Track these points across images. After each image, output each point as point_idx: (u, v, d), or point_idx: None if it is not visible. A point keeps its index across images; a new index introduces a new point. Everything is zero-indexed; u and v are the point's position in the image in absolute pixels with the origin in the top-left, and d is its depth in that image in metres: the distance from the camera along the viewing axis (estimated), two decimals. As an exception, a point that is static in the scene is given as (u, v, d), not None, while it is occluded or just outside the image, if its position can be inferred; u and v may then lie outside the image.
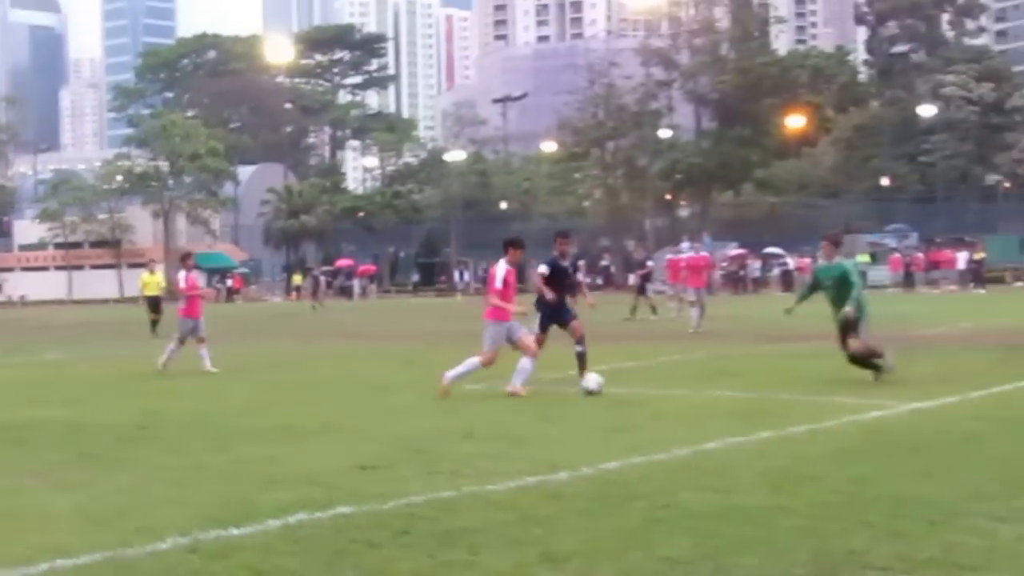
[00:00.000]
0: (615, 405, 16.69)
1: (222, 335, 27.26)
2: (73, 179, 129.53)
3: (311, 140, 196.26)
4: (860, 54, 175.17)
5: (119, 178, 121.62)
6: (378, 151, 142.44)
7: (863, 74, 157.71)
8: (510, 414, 16.06)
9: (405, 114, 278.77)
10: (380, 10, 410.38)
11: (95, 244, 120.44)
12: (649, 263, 48.99)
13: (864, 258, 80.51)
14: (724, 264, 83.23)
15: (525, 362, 18.61)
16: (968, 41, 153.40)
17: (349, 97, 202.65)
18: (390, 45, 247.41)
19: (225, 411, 17.63)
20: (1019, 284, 76.72)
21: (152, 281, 44.63)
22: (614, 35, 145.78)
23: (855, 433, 13.59)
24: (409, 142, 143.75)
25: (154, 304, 43.11)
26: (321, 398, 19.07)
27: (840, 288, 18.42)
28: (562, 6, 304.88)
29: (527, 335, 18.90)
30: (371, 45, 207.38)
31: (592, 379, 18.06)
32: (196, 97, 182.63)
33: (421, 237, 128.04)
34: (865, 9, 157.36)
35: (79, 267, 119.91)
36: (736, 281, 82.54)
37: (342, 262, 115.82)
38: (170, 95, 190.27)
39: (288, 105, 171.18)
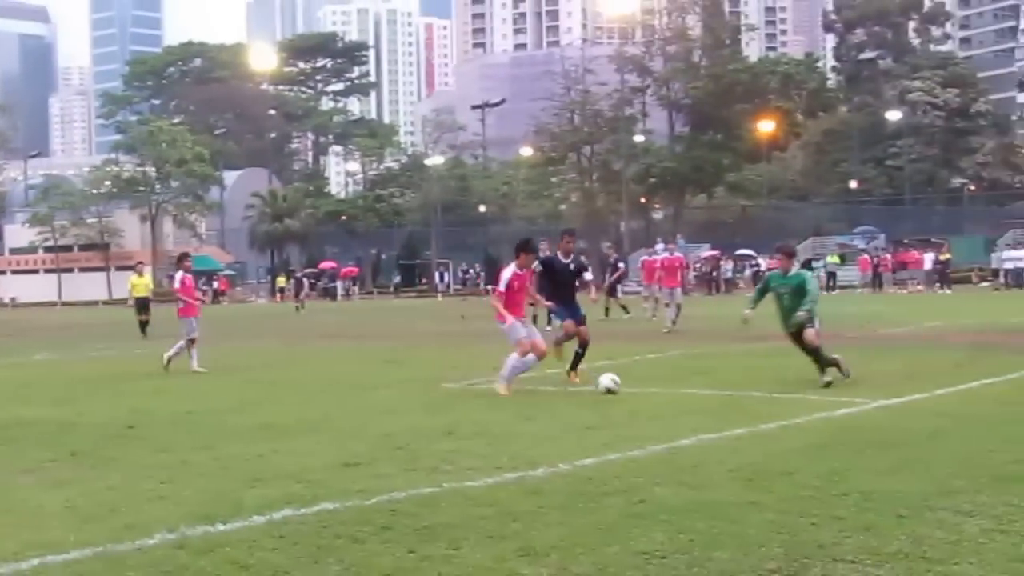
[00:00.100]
0: (591, 403, 16.70)
1: (208, 336, 27.21)
2: (62, 184, 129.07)
3: (295, 146, 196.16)
4: (829, 61, 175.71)
5: (107, 183, 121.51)
6: (360, 156, 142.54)
7: (832, 80, 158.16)
8: (489, 412, 16.04)
9: (386, 120, 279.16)
10: (361, 19, 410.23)
11: (84, 247, 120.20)
12: (621, 265, 49.06)
13: (834, 259, 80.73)
14: (698, 265, 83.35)
15: (530, 359, 18.63)
16: (934, 48, 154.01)
17: (331, 104, 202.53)
18: (371, 53, 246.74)
19: (211, 410, 17.59)
20: (984, 284, 76.81)
21: (140, 283, 44.48)
22: (589, 43, 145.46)
23: (825, 429, 13.60)
24: (390, 147, 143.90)
25: (143, 305, 43.02)
26: (305, 397, 19.04)
27: (795, 296, 18.34)
28: (539, 15, 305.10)
29: (538, 339, 18.93)
30: (353, 53, 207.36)
31: (607, 379, 17.95)
32: (182, 104, 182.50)
33: (402, 240, 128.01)
34: (833, 17, 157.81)
35: (68, 270, 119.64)
36: (709, 282, 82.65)
37: (325, 264, 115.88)
38: (157, 102, 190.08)
39: (272, 111, 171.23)
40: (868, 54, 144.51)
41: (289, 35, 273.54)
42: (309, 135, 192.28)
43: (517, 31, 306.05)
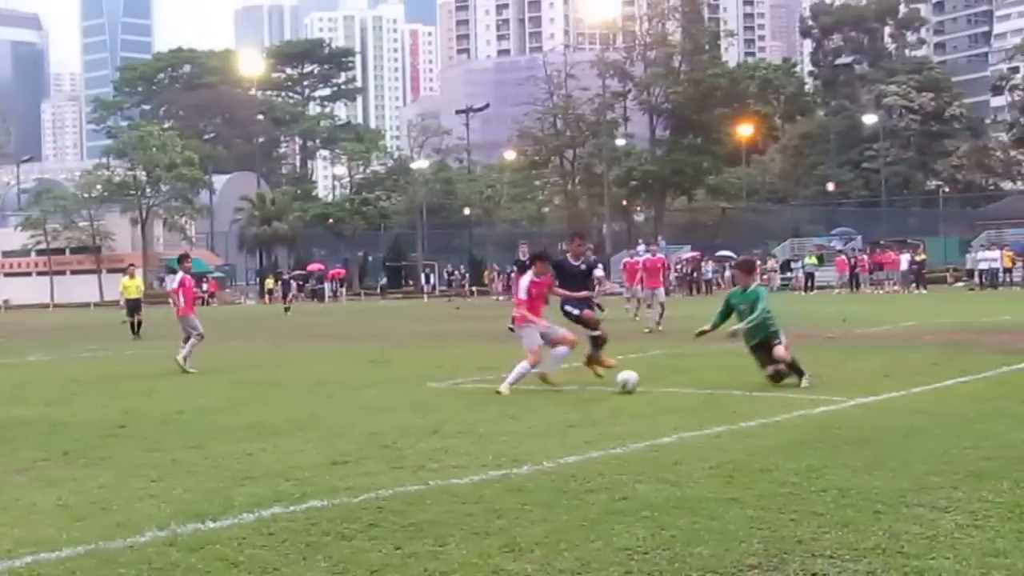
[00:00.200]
0: (574, 402, 16.70)
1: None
2: (54, 188, 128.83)
3: (282, 150, 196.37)
4: (806, 66, 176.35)
5: (99, 187, 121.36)
6: (347, 160, 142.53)
7: (809, 85, 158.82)
8: (474, 411, 16.04)
9: (372, 125, 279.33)
10: (348, 25, 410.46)
11: (76, 250, 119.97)
12: (600, 266, 49.16)
13: (812, 260, 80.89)
14: (679, 266, 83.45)
15: (563, 351, 18.76)
16: (909, 53, 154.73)
17: (319, 109, 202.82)
18: (357, 59, 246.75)
19: (201, 410, 17.56)
20: (959, 285, 77.03)
21: (132, 285, 44.42)
22: (572, 49, 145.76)
23: (804, 427, 13.61)
24: (376, 151, 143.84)
25: (134, 307, 42.97)
26: (293, 397, 19.02)
27: (753, 311, 18.29)
28: (522, 21, 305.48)
29: (560, 329, 18.93)
30: (339, 59, 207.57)
31: (627, 376, 17.92)
32: (172, 109, 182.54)
33: (389, 242, 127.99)
34: (810, 23, 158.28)
35: (60, 272, 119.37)
36: (690, 283, 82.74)
37: (313, 266, 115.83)
38: (147, 107, 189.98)
39: (260, 116, 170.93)
40: (844, 59, 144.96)
41: (277, 42, 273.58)
42: (297, 139, 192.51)
43: (500, 37, 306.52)
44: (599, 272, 20.86)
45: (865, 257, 78.21)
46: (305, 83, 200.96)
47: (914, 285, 70.52)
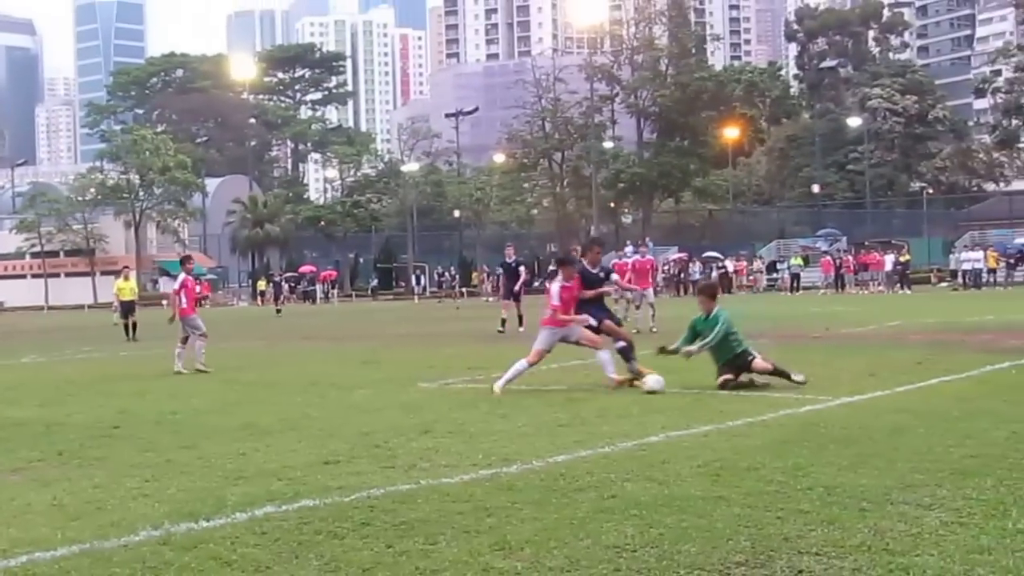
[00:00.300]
0: (563, 402, 16.68)
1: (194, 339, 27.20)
2: (49, 192, 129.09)
3: (274, 153, 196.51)
4: (791, 69, 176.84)
5: (92, 190, 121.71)
6: (338, 163, 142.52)
7: (794, 88, 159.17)
8: (465, 411, 16.03)
9: (363, 128, 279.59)
10: (339, 30, 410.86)
11: (70, 253, 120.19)
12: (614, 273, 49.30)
13: (797, 261, 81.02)
14: (666, 268, 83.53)
15: (604, 355, 18.67)
16: (892, 56, 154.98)
17: (310, 112, 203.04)
18: (348, 63, 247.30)
19: (194, 410, 17.54)
20: (943, 285, 77.19)
21: (127, 287, 44.34)
22: (560, 53, 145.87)
23: (790, 426, 13.61)
24: (367, 155, 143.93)
25: (128, 309, 42.90)
26: (285, 397, 18.99)
27: (721, 338, 18.14)
28: (510, 25, 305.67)
29: (586, 332, 18.88)
30: (330, 63, 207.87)
31: (652, 380, 17.90)
32: (165, 113, 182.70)
33: (380, 244, 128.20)
34: (795, 27, 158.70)
35: (55, 275, 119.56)
36: (678, 283, 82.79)
37: (305, 268, 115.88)
38: (140, 111, 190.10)
39: (252, 120, 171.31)
40: (829, 62, 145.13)
41: (268, 46, 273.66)
42: (288, 143, 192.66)
43: (489, 41, 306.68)
44: (615, 276, 21.06)
45: (850, 258, 78.27)
46: (296, 87, 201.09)
47: (898, 285, 70.62)
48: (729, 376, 17.57)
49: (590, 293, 19.53)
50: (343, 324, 51.55)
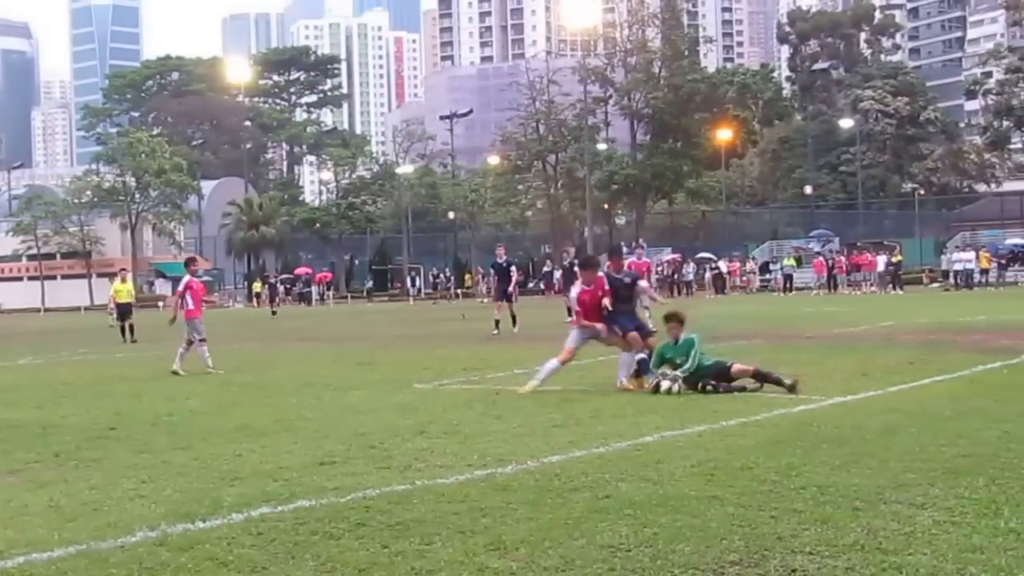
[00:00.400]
0: (558, 402, 16.68)
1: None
2: (45, 194, 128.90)
3: (269, 156, 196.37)
4: (783, 71, 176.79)
5: (88, 193, 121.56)
6: (333, 165, 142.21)
7: (786, 90, 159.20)
8: (460, 412, 16.03)
9: (358, 130, 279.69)
10: (333, 33, 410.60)
11: (66, 255, 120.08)
12: (575, 268, 49.33)
13: (790, 262, 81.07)
14: (660, 268, 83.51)
15: (625, 356, 18.63)
16: (884, 58, 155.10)
17: (305, 115, 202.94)
18: (343, 66, 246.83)
19: (190, 412, 17.53)
20: (934, 285, 77.26)
21: (124, 289, 44.27)
22: (553, 55, 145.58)
23: (783, 426, 13.62)
24: (362, 157, 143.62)
25: (125, 311, 42.84)
26: (281, 398, 18.98)
27: (689, 361, 17.90)
28: (504, 28, 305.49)
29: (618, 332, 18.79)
30: (325, 66, 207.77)
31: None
32: (160, 116, 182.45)
33: (375, 246, 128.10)
34: (787, 29, 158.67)
35: (51, 277, 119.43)
36: (672, 284, 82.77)
37: (300, 270, 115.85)
38: (136, 114, 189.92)
39: (247, 123, 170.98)
40: (821, 64, 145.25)
41: (263, 49, 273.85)
42: (283, 145, 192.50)
43: (483, 44, 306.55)
44: (643, 283, 20.54)
45: (843, 259, 78.34)
46: (291, 90, 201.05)
47: (891, 286, 70.65)
48: (707, 381, 17.45)
49: (608, 301, 19.14)
50: (338, 326, 51.53)
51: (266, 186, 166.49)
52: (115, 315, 44.67)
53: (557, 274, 50.95)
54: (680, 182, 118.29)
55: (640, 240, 74.08)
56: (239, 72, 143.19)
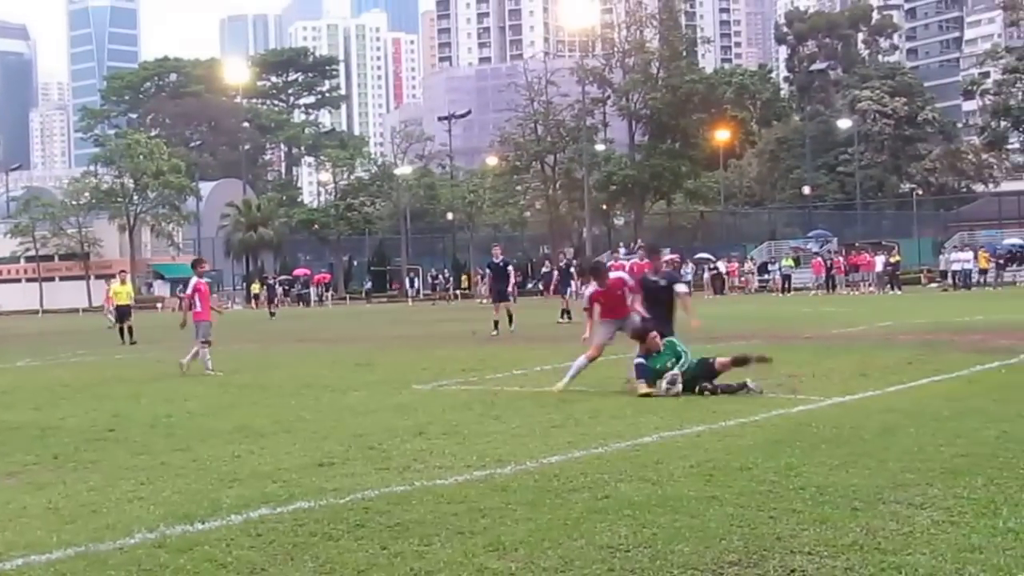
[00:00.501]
0: (556, 403, 16.69)
1: (187, 342, 27.06)
2: (43, 196, 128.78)
3: (268, 157, 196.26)
4: (781, 72, 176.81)
5: (86, 195, 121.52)
6: (331, 167, 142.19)
7: (784, 90, 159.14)
8: (458, 413, 16.03)
9: (356, 132, 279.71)
10: (331, 34, 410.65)
11: (64, 257, 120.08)
12: (572, 269, 49.50)
13: (788, 262, 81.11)
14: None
15: (581, 359, 18.71)
16: (882, 59, 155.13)
17: (303, 116, 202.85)
18: (341, 67, 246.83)
19: (189, 413, 17.53)
20: (932, 285, 77.23)
21: (123, 291, 44.20)
22: (551, 56, 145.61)
23: (782, 426, 13.62)
24: (360, 158, 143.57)
25: (124, 313, 42.78)
26: (279, 399, 18.98)
27: (680, 361, 17.85)
28: (502, 29, 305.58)
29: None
30: (323, 67, 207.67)
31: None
32: (158, 117, 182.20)
33: (373, 247, 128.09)
34: (785, 29, 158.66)
35: (49, 279, 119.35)
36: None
37: (299, 271, 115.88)
38: (134, 116, 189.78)
39: (245, 124, 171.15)
40: (819, 65, 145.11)
41: (261, 50, 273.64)
42: (282, 147, 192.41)
43: (481, 45, 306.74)
44: (681, 287, 19.63)
45: (841, 259, 78.32)
46: (290, 91, 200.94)
47: (889, 286, 70.62)
48: (704, 384, 17.40)
49: (639, 303, 18.94)
50: (337, 327, 51.51)
51: (264, 187, 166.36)
52: (113, 316, 44.62)
53: (556, 275, 50.86)
54: (678, 182, 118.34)
55: (638, 240, 74.13)
56: (237, 73, 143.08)
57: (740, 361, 17.67)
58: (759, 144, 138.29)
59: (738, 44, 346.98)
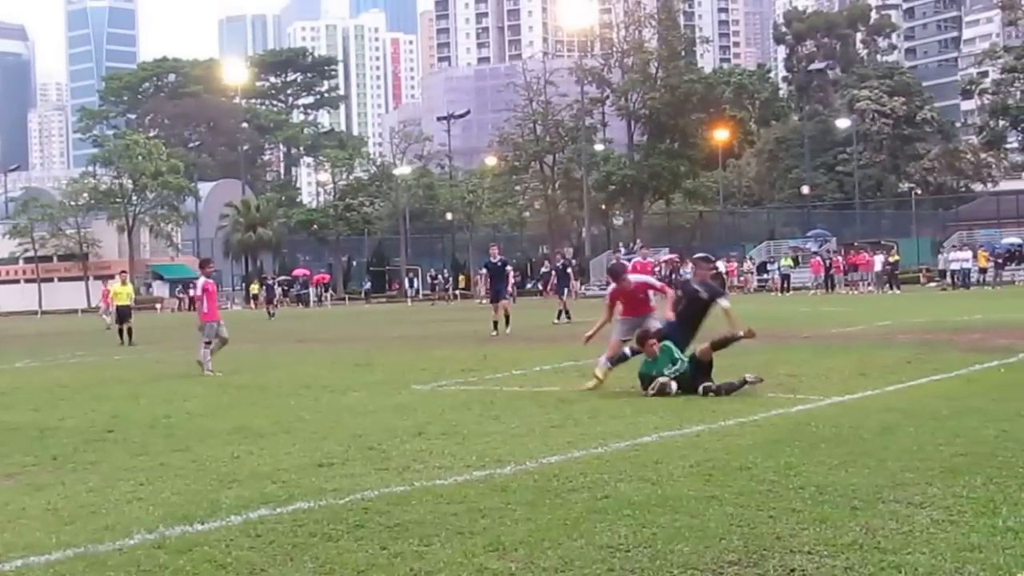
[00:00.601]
0: (555, 403, 16.68)
1: (185, 342, 27.07)
2: (41, 197, 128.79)
3: (267, 157, 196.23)
4: (780, 71, 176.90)
5: (85, 195, 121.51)
6: (330, 167, 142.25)
7: (783, 90, 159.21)
8: (458, 413, 16.02)
9: (355, 132, 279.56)
10: (330, 35, 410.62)
11: (63, 258, 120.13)
12: (569, 269, 49.52)
13: (787, 262, 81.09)
14: (657, 268, 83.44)
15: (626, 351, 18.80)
16: (880, 58, 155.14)
17: (302, 116, 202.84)
18: (340, 67, 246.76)
19: (188, 414, 17.51)
20: (931, 285, 77.23)
21: (124, 291, 44.10)
22: (550, 56, 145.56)
23: (781, 426, 13.62)
24: (359, 158, 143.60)
25: (124, 314, 42.72)
26: (278, 400, 18.96)
27: (675, 364, 17.76)
28: (501, 29, 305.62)
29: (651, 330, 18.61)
30: (322, 67, 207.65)
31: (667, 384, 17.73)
32: (157, 118, 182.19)
33: (372, 247, 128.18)
34: (784, 29, 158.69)
35: (48, 280, 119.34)
36: (669, 284, 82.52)
37: (298, 272, 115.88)
38: (132, 116, 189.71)
39: (244, 125, 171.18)
40: (817, 65, 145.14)
41: (260, 51, 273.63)
42: (281, 147, 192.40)
43: (480, 45, 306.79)
44: (724, 302, 18.39)
45: (840, 258, 78.31)
46: (288, 91, 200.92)
47: (888, 286, 70.63)
48: (707, 384, 17.33)
49: (670, 306, 18.88)
50: (336, 327, 51.49)
51: (263, 188, 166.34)
52: (110, 316, 44.54)
53: (553, 275, 50.85)
54: (677, 182, 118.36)
55: (637, 239, 74.19)
56: (236, 74, 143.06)
57: (719, 344, 17.62)
58: (758, 144, 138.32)
59: (736, 44, 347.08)
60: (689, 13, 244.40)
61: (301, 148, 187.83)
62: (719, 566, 7.58)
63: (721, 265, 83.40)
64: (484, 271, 43.18)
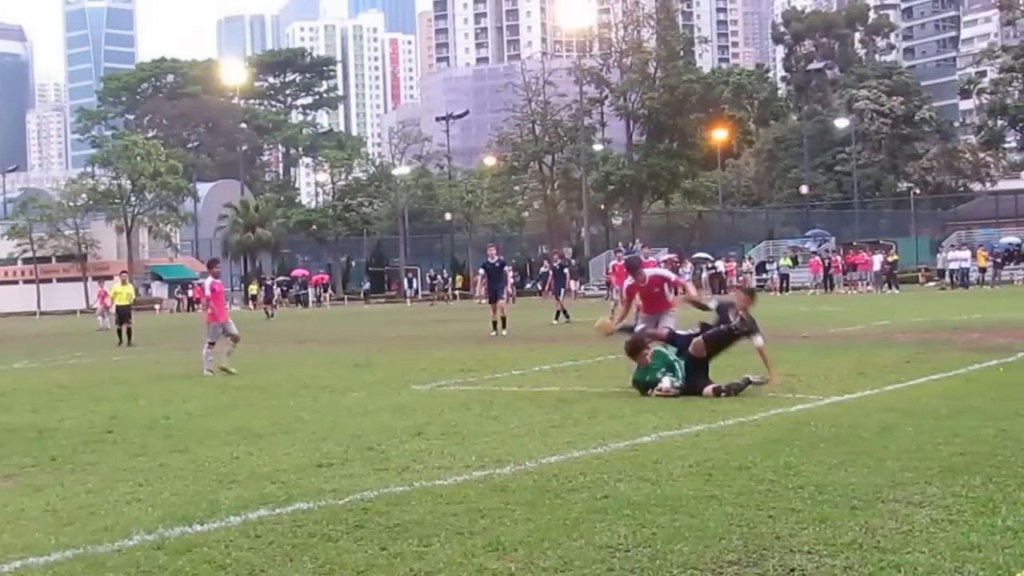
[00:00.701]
0: (555, 403, 16.67)
1: (185, 342, 27.05)
2: (40, 197, 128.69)
3: (265, 158, 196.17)
4: (778, 71, 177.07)
5: (84, 196, 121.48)
6: (329, 167, 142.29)
7: (782, 90, 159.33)
8: (457, 413, 16.02)
9: (354, 132, 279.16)
10: (329, 35, 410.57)
11: (62, 258, 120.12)
12: (566, 270, 49.48)
13: (786, 262, 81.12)
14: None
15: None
16: (879, 58, 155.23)
17: (301, 117, 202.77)
18: (339, 68, 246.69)
19: (186, 414, 17.50)
20: (930, 284, 77.23)
21: (124, 292, 44.10)
22: (549, 56, 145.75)
23: (781, 425, 13.61)
24: (358, 158, 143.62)
25: (124, 314, 42.69)
26: (278, 400, 18.96)
27: (673, 370, 17.70)
28: (499, 29, 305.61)
29: (662, 329, 18.51)
30: (321, 68, 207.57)
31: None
32: (156, 118, 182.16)
33: (371, 247, 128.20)
34: (782, 29, 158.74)
35: (47, 280, 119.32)
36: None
37: (297, 272, 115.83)
38: (131, 117, 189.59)
39: (243, 125, 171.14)
40: (816, 64, 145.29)
41: (259, 51, 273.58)
42: (279, 147, 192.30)
43: (479, 45, 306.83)
44: (759, 340, 17.52)
45: (838, 258, 78.34)
46: (287, 91, 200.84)
47: (886, 285, 70.64)
48: (716, 386, 17.26)
49: (691, 290, 19.07)
50: (335, 327, 51.48)
51: (262, 188, 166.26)
52: (105, 318, 44.51)
53: (550, 275, 50.85)
54: (676, 182, 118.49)
55: (636, 239, 74.14)
56: (234, 74, 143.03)
57: (698, 344, 17.54)
58: (757, 144, 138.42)
59: (735, 44, 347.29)
60: (687, 13, 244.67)
61: (300, 148, 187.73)
62: (719, 566, 7.57)
63: (720, 265, 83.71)
64: (482, 271, 43.03)
